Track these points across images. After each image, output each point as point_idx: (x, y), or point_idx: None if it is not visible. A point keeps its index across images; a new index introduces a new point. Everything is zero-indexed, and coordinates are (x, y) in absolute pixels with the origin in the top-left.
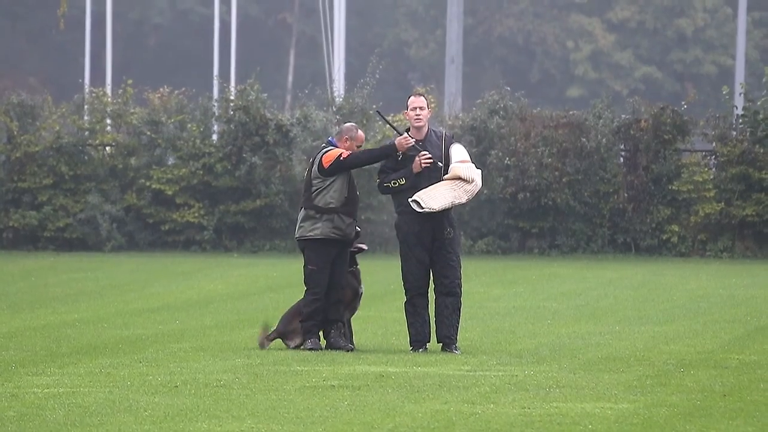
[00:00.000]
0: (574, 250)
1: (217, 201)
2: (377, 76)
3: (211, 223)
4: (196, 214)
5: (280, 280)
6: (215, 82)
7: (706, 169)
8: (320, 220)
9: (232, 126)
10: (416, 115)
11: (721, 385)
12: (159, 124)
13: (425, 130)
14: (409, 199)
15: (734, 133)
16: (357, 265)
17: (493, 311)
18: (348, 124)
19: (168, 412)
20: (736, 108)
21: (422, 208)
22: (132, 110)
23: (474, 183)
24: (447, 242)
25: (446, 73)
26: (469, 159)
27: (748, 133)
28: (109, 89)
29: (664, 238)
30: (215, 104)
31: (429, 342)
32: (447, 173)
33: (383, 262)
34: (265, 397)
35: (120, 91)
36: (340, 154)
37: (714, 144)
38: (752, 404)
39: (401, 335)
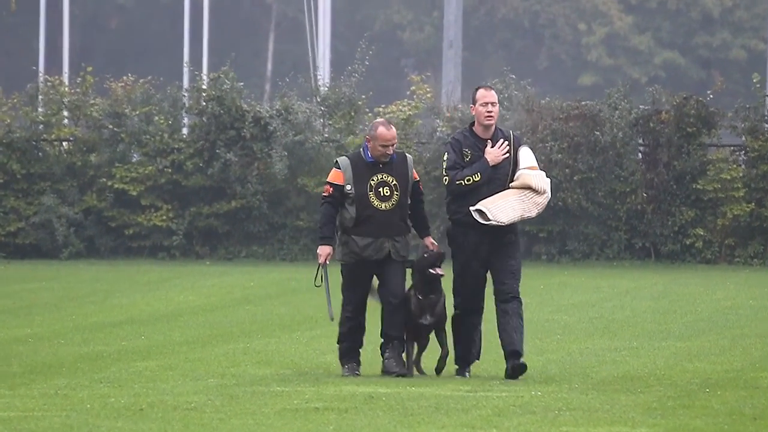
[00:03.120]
0: (587, 256)
1: (188, 202)
2: (367, 62)
3: (181, 227)
4: (164, 217)
5: (258, 291)
6: (185, 70)
7: (735, 165)
8: (340, 243)
9: (204, 119)
10: (488, 112)
11: (752, 408)
12: (122, 117)
13: (493, 129)
14: (471, 208)
15: (766, 126)
16: (434, 294)
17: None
18: (375, 120)
19: None
20: None
21: (488, 220)
22: (92, 101)
23: (545, 195)
24: (507, 246)
25: (444, 59)
26: (537, 165)
27: None
28: (66, 78)
29: (687, 243)
30: (185, 94)
31: (476, 360)
32: (514, 180)
33: None
34: (241, 422)
35: (78, 79)
36: (324, 190)
37: (744, 138)
38: (765, 427)
39: None
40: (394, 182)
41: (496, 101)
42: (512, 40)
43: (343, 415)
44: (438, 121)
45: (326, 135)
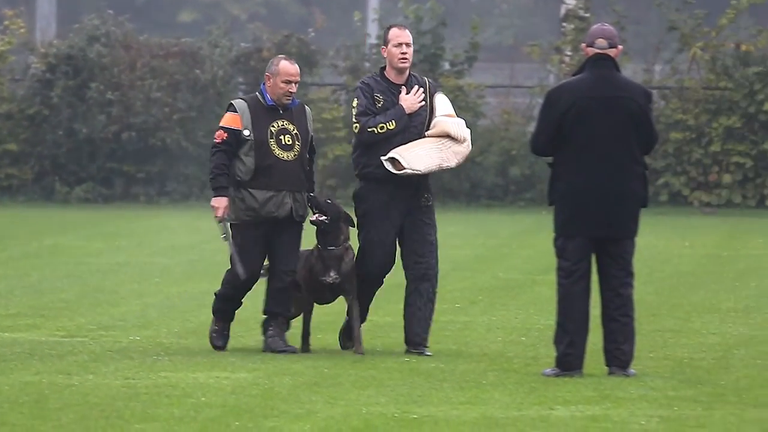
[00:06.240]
0: (187, 197)
1: None
2: None
3: None
4: None
5: None
6: None
7: (337, 105)
8: (234, 200)
9: None
10: (402, 53)
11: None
12: None
13: (407, 74)
14: (383, 158)
15: (367, 64)
16: (336, 246)
17: (94, 268)
18: (276, 56)
19: None
20: (370, 36)
21: (402, 168)
22: None
23: (465, 144)
24: (423, 211)
25: None
26: (454, 113)
27: None
28: None
29: None
30: None
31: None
32: (430, 128)
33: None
34: None
35: None
36: (216, 136)
37: (345, 77)
38: (385, 371)
39: None
40: (295, 131)
41: (411, 42)
42: None
43: None
44: (32, 57)
45: None
